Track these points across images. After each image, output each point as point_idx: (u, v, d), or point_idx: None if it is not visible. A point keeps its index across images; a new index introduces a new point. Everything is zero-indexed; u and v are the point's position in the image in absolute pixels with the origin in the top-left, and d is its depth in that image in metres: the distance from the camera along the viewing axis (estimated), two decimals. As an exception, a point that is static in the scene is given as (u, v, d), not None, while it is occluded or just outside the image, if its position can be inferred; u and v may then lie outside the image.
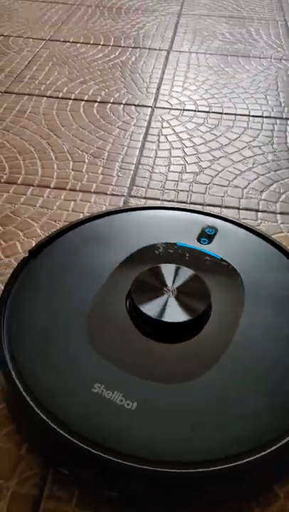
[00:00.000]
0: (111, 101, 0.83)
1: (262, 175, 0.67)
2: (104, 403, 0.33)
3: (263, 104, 0.84)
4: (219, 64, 0.97)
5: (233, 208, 0.62)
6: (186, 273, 0.42)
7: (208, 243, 0.47)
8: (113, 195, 0.63)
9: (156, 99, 0.85)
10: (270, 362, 0.37)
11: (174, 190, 0.64)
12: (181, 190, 0.64)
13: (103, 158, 0.69)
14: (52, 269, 0.44)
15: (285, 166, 0.69)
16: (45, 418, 0.33)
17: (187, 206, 0.53)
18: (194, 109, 0.82)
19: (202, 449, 0.32)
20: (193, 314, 0.38)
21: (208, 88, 0.89)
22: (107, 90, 0.86)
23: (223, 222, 0.49)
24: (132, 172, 0.67)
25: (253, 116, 0.81)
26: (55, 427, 0.32)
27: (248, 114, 0.81)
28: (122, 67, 0.95)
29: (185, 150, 0.72)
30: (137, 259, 0.44)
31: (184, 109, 0.82)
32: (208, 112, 0.82)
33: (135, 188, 0.64)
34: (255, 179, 0.66)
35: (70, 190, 0.64)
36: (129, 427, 0.32)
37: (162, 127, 0.77)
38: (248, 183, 0.65)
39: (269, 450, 0.32)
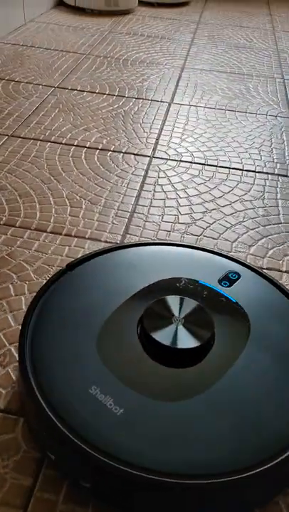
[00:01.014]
0: (112, 149, 0.88)
1: (251, 229, 0.70)
2: (95, 403, 0.38)
3: (256, 160, 0.88)
4: (217, 118, 1.03)
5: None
6: (195, 307, 0.46)
7: (228, 286, 0.50)
8: (107, 242, 0.65)
9: (154, 150, 0.89)
10: (254, 401, 0.40)
11: (166, 240, 0.67)
12: (172, 241, 0.67)
13: (100, 205, 0.73)
14: (81, 285, 0.49)
15: (275, 222, 0.72)
16: (43, 404, 0.38)
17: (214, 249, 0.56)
18: (191, 160, 0.86)
19: (174, 462, 0.35)
20: (194, 344, 0.42)
21: (206, 141, 0.93)
22: (108, 138, 0.91)
23: (247, 269, 0.53)
24: (126, 220, 0.70)
25: (246, 170, 0.85)
26: (50, 415, 0.37)
27: (241, 168, 0.85)
28: (124, 116, 1.00)
29: (179, 201, 0.75)
30: (158, 289, 0.49)
31: (180, 161, 0.86)
32: (204, 164, 0.86)
33: (128, 236, 0.67)
34: (245, 233, 0.69)
35: (66, 235, 0.66)
36: (111, 427, 0.37)
37: (159, 177, 0.81)
38: (238, 237, 0.68)
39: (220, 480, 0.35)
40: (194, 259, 0.54)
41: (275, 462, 0.35)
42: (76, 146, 0.88)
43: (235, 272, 0.52)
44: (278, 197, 0.78)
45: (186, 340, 0.42)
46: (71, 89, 1.10)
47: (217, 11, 1.88)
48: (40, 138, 0.89)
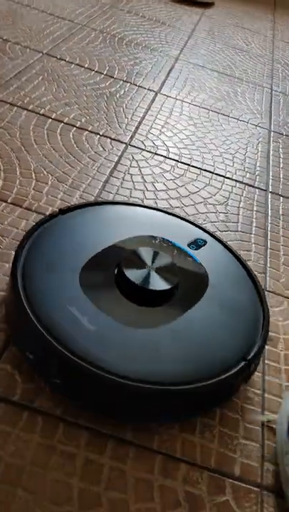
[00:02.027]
0: (89, 129, 0.88)
1: (209, 233, 0.73)
2: (72, 318, 0.46)
3: (228, 165, 0.91)
4: (200, 117, 1.04)
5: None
6: (165, 260, 0.55)
7: (196, 249, 0.59)
8: (66, 222, 0.66)
9: (132, 138, 0.90)
10: (203, 335, 0.50)
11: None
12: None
13: (66, 184, 0.73)
14: (72, 227, 0.57)
15: (232, 229, 0.75)
16: (28, 311, 0.45)
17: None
18: (165, 155, 0.88)
19: (130, 368, 0.43)
20: (160, 287, 0.51)
21: (184, 138, 0.95)
22: (88, 117, 0.91)
23: (214, 239, 0.62)
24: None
25: (216, 174, 0.87)
26: (33, 319, 0.45)
27: (212, 171, 0.88)
28: (108, 98, 1.00)
29: (145, 193, 0.77)
30: (137, 241, 0.57)
31: (155, 153, 0.88)
32: (178, 161, 0.87)
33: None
34: (202, 236, 0.72)
35: (26, 208, 0.67)
36: (83, 337, 0.45)
37: (130, 166, 0.82)
38: (194, 238, 0.71)
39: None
40: (171, 223, 0.63)
41: (217, 379, 0.45)
42: (53, 119, 0.87)
43: (203, 239, 0.61)
44: (241, 205, 0.81)
45: (154, 284, 0.51)
46: (60, 58, 1.09)
47: (222, 7, 1.88)
48: (18, 104, 0.88)
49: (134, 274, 0.51)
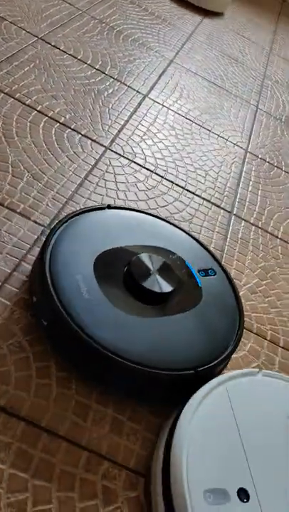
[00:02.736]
0: (72, 126, 0.92)
1: (169, 248, 0.79)
2: (75, 285, 0.57)
3: (199, 182, 0.97)
4: (182, 128, 1.10)
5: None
6: (171, 272, 0.64)
7: (204, 276, 0.68)
8: (35, 222, 0.71)
9: (112, 142, 0.94)
10: (189, 331, 0.60)
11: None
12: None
13: (41, 183, 0.78)
14: (97, 223, 0.67)
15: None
16: (52, 290, 0.55)
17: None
18: (142, 164, 0.93)
19: (110, 339, 0.53)
20: (159, 290, 0.60)
21: (163, 148, 1.00)
22: (72, 114, 0.95)
23: (223, 272, 0.71)
24: (60, 206, 0.76)
25: (186, 190, 0.93)
26: (53, 294, 0.55)
27: (183, 186, 0.94)
28: (96, 95, 1.04)
29: (116, 202, 0.82)
30: (155, 250, 0.67)
31: (132, 161, 0.93)
32: (152, 171, 0.93)
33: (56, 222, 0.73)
34: (161, 250, 0.78)
35: (-1, 202, 0.71)
36: (79, 303, 0.55)
37: (106, 171, 0.87)
38: (154, 252, 0.77)
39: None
40: (193, 246, 0.72)
41: (201, 368, 0.55)
42: (38, 111, 0.91)
43: (214, 270, 0.70)
44: (204, 224, 0.88)
45: (153, 286, 0.60)
46: (54, 45, 1.11)
47: (227, 10, 1.91)
48: (5, 91, 0.91)
49: (139, 273, 0.61)
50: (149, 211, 0.83)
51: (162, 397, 0.57)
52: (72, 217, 0.65)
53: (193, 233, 0.80)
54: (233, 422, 0.52)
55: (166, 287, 0.61)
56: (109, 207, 0.70)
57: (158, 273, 0.62)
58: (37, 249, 0.68)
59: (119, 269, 0.62)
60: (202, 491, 0.46)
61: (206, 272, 0.69)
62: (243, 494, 0.47)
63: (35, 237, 0.69)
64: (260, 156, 1.15)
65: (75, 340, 0.53)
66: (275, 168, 1.14)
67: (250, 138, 1.20)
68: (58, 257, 0.59)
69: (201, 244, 0.73)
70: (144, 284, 0.60)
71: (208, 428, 0.50)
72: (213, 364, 0.57)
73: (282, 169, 1.15)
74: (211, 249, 0.81)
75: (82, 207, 0.77)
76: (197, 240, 0.74)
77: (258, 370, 0.59)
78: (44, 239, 0.63)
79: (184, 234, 0.74)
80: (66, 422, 0.52)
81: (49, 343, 0.57)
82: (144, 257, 0.64)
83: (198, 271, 0.68)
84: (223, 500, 0.46)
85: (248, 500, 0.47)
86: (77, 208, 0.77)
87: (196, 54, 1.44)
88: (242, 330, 0.64)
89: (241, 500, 0.47)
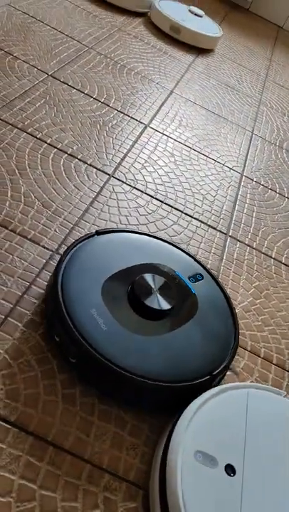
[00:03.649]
0: (79, 157, 0.95)
1: (168, 270, 0.81)
2: (92, 319, 0.59)
3: (197, 205, 0.99)
4: (181, 154, 1.12)
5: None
6: (168, 288, 0.67)
7: (194, 282, 0.72)
8: (44, 247, 0.74)
9: (116, 169, 0.97)
10: (189, 345, 0.63)
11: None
12: (100, 261, 0.76)
13: (50, 210, 0.80)
14: (101, 247, 0.70)
15: (189, 268, 0.84)
16: (75, 331, 0.57)
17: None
18: (143, 190, 0.96)
19: (130, 363, 0.56)
20: (159, 307, 0.64)
21: (162, 174, 1.03)
22: (79, 145, 0.98)
23: (209, 275, 0.74)
24: (67, 231, 0.78)
25: (185, 213, 0.95)
26: (77, 334, 0.57)
27: (182, 210, 0.96)
28: (101, 126, 1.07)
29: (118, 226, 0.85)
30: (150, 268, 0.70)
31: (134, 187, 0.95)
32: (153, 197, 0.95)
33: (64, 246, 0.76)
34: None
35: (11, 230, 0.74)
36: (98, 333, 0.58)
37: (110, 198, 0.90)
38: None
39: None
40: (180, 256, 0.76)
41: (187, 383, 0.58)
42: (48, 144, 0.94)
43: (202, 275, 0.74)
44: (201, 246, 0.90)
45: (155, 303, 0.64)
46: (63, 81, 1.15)
47: (224, 38, 1.94)
48: (19, 126, 0.94)
49: (142, 293, 0.64)
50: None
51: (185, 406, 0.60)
52: (69, 249, 0.67)
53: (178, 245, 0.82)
54: (231, 430, 0.54)
55: (167, 304, 0.65)
56: (97, 233, 0.72)
57: (158, 291, 0.66)
58: (45, 273, 0.70)
59: (123, 291, 0.65)
60: (194, 451, 0.49)
61: (195, 278, 0.72)
62: (230, 469, 0.50)
63: (44, 261, 0.72)
64: (254, 180, 1.17)
65: (108, 372, 0.56)
66: (270, 190, 1.16)
67: (245, 162, 1.22)
68: (70, 294, 0.61)
69: (183, 251, 0.77)
70: (147, 303, 0.64)
71: (204, 439, 0.52)
72: (224, 365, 0.62)
73: (276, 191, 1.17)
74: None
75: (87, 232, 0.79)
76: (179, 248, 0.77)
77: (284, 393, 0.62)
78: (52, 274, 0.66)
79: (167, 245, 0.76)
80: (71, 436, 0.54)
81: (77, 376, 0.60)
82: (144, 278, 0.67)
83: (189, 278, 0.72)
84: (209, 464, 0.49)
85: (234, 475, 0.49)
86: (83, 234, 0.79)
87: (195, 84, 1.48)
88: (238, 328, 0.68)
89: (227, 473, 0.49)
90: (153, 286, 0.66)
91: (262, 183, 1.17)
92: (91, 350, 0.56)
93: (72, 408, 0.56)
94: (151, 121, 1.18)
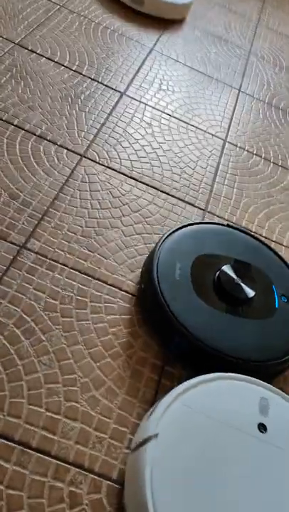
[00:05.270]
0: (48, 138, 0.92)
1: (140, 255, 0.81)
2: (176, 282, 0.71)
3: (174, 181, 0.96)
4: (160, 124, 1.08)
5: (103, 281, 0.75)
6: (255, 283, 0.76)
7: (285, 301, 0.76)
8: (12, 242, 0.74)
9: (88, 148, 0.94)
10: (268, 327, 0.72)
11: (62, 251, 0.76)
12: (69, 253, 0.76)
13: (17, 202, 0.79)
14: (194, 236, 0.79)
15: (163, 251, 0.83)
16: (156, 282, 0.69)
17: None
18: (117, 169, 0.93)
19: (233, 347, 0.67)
20: (239, 296, 0.72)
21: (138, 149, 0.99)
22: (49, 124, 0.94)
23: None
24: (35, 223, 0.78)
25: (161, 191, 0.93)
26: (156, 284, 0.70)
27: (158, 187, 0.93)
28: (73, 99, 1.02)
29: (89, 212, 0.83)
30: (246, 259, 0.79)
31: (107, 167, 0.93)
32: (127, 176, 0.93)
33: (32, 240, 0.75)
34: (133, 258, 0.80)
35: (-23, 227, 0.74)
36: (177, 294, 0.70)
37: (81, 181, 0.88)
38: (125, 261, 0.79)
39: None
40: (286, 271, 0.82)
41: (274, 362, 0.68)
42: (15, 126, 0.91)
43: None
44: (177, 226, 0.88)
45: (237, 292, 0.72)
46: (31, 50, 1.09)
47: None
48: (-17, 108, 0.91)
49: (226, 279, 0.73)
50: (122, 218, 0.85)
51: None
52: (165, 237, 0.77)
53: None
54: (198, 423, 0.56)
55: (245, 294, 0.73)
56: (228, 226, 0.84)
57: (240, 281, 0.74)
58: (13, 270, 0.71)
59: (211, 271, 0.75)
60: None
61: (288, 299, 0.77)
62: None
63: (11, 257, 0.72)
64: (239, 145, 1.12)
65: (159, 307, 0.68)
66: (254, 156, 1.12)
67: (229, 126, 1.17)
68: (162, 267, 0.72)
69: (285, 263, 0.82)
70: (228, 288, 0.72)
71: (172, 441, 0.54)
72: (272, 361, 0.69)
73: (261, 156, 1.12)
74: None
75: (57, 222, 0.79)
76: (282, 259, 0.83)
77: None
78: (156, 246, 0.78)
79: (277, 259, 0.83)
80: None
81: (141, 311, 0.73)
82: (233, 265, 0.76)
83: (281, 295, 0.77)
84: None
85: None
86: (52, 224, 0.79)
87: (178, 37, 1.38)
88: None
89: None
90: (238, 277, 0.74)
91: (246, 148, 1.12)
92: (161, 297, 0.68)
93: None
94: (127, 88, 1.13)
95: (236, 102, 1.26)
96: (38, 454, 0.55)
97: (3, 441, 0.55)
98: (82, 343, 0.66)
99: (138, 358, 0.67)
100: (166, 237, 0.77)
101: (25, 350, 0.63)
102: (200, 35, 1.44)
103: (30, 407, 0.58)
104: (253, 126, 1.20)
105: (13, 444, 0.55)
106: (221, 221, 0.93)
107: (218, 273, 0.74)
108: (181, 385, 0.58)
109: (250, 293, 0.73)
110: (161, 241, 0.76)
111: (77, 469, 0.56)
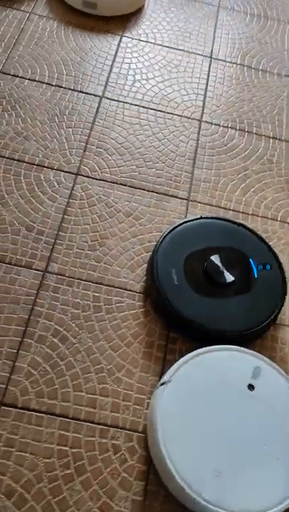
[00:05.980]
0: (45, 165, 1.08)
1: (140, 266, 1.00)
2: (171, 278, 0.91)
3: (159, 178, 1.11)
4: (139, 121, 1.19)
5: (111, 286, 0.96)
6: (235, 266, 0.94)
7: (261, 270, 0.95)
8: (37, 269, 0.95)
9: (80, 165, 1.10)
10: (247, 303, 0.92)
11: (76, 268, 0.96)
12: (81, 268, 0.96)
13: (33, 233, 0.99)
14: (188, 233, 0.98)
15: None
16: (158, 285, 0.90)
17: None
18: (108, 179, 1.09)
19: (222, 322, 0.89)
20: (222, 281, 0.92)
21: (123, 154, 1.13)
22: (44, 150, 1.10)
23: (278, 268, 0.97)
24: (50, 248, 0.98)
25: (147, 191, 1.09)
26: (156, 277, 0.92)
27: (141, 187, 1.09)
28: (59, 117, 1.16)
29: (91, 227, 1.02)
30: (228, 248, 0.97)
31: (100, 179, 1.09)
32: (116, 183, 1.09)
33: (52, 264, 0.96)
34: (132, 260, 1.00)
35: (8, 263, 0.95)
36: (171, 288, 0.91)
37: (79, 200, 1.05)
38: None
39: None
40: (260, 244, 0.99)
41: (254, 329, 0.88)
42: (17, 160, 1.08)
43: (271, 265, 0.95)
44: (164, 221, 1.06)
45: (222, 278, 0.91)
46: (14, 74, 1.21)
47: None
48: (-13, 151, 1.08)
49: (211, 268, 0.92)
50: (119, 225, 1.03)
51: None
52: (164, 237, 0.96)
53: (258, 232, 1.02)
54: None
55: (229, 278, 0.91)
56: (177, 226, 0.99)
57: (225, 268, 0.92)
58: (42, 293, 0.93)
59: (200, 265, 0.94)
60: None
61: (263, 266, 0.95)
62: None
63: (38, 282, 0.94)
64: (214, 122, 1.23)
65: (167, 309, 0.89)
66: (229, 129, 1.22)
67: (204, 103, 1.26)
68: (161, 262, 0.93)
69: (264, 242, 0.99)
70: (214, 276, 0.91)
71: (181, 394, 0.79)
72: (254, 329, 0.88)
73: (236, 129, 1.23)
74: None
75: (67, 243, 0.99)
76: (261, 239, 0.99)
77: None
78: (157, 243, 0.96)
79: (251, 234, 0.99)
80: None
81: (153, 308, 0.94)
82: (218, 256, 0.93)
83: (258, 265, 0.94)
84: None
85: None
86: (64, 246, 0.99)
87: (143, 19, 1.42)
88: (285, 278, 0.95)
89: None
90: (223, 265, 0.92)
91: (221, 123, 1.23)
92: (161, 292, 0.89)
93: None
94: (105, 89, 1.23)
95: (209, 72, 1.32)
96: (87, 423, 0.82)
97: (61, 418, 0.81)
98: (103, 339, 0.89)
99: (146, 343, 0.90)
100: (158, 247, 0.94)
101: (64, 353, 0.87)
102: (166, 7, 1.46)
103: (76, 393, 0.84)
104: (226, 97, 1.28)
105: (68, 419, 0.82)
106: (203, 207, 1.09)
107: (205, 265, 0.92)
108: (188, 355, 0.82)
109: (231, 278, 0.91)
110: (155, 251, 0.93)
111: (114, 429, 0.82)
